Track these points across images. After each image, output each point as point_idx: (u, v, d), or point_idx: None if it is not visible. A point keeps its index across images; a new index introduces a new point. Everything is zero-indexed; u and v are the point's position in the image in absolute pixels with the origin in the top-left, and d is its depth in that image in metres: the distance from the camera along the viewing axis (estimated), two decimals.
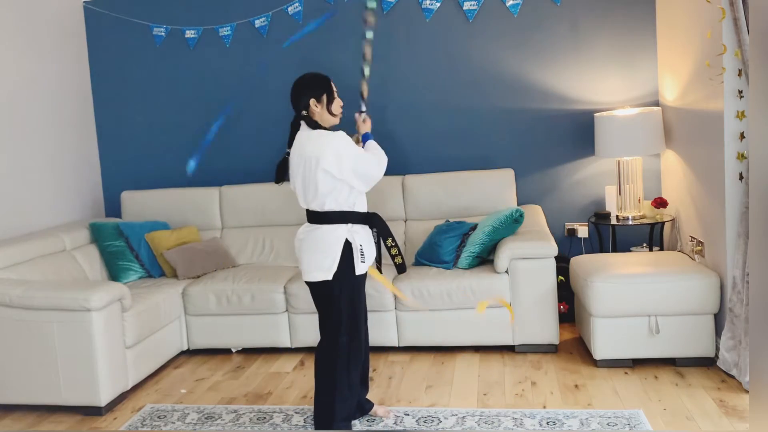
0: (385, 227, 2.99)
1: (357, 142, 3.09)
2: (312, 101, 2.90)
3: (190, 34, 4.94)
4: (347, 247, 2.85)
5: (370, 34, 3.06)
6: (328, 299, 2.90)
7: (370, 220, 2.96)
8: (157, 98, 5.07)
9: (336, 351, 2.89)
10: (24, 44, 4.49)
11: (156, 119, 5.09)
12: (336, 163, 2.79)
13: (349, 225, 2.88)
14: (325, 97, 2.91)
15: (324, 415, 2.92)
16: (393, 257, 3.02)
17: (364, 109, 3.13)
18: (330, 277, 2.85)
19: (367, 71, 3.09)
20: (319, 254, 2.85)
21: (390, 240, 2.98)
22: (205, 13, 4.91)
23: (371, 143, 3.05)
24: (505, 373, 3.67)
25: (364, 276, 2.97)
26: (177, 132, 5.06)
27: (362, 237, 2.91)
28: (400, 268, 3.06)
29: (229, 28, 4.88)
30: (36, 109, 4.57)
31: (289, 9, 4.77)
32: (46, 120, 4.67)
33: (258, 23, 4.83)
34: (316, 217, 2.89)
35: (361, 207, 2.95)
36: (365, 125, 3.12)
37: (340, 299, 2.87)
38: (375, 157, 2.94)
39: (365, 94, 3.12)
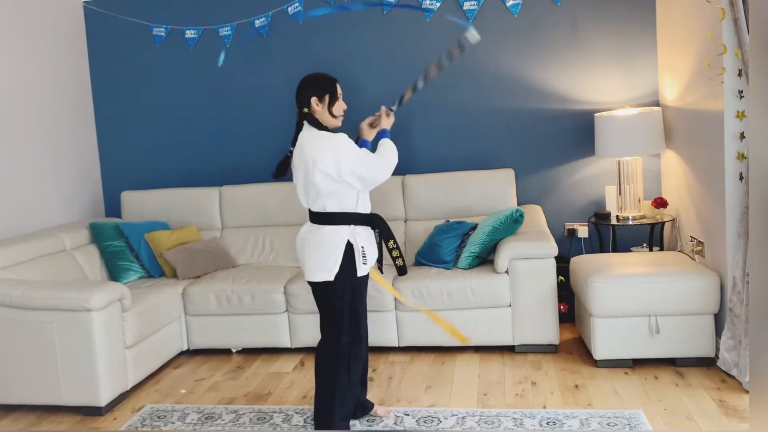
0: (387, 229, 2.97)
1: (361, 133, 3.05)
2: (314, 99, 2.86)
3: (190, 34, 4.94)
4: (349, 248, 2.85)
5: (446, 62, 2.88)
6: (329, 300, 2.89)
7: (372, 221, 2.94)
8: (157, 98, 5.07)
9: (337, 351, 2.89)
10: (24, 44, 4.49)
11: (156, 119, 5.09)
12: (334, 166, 2.77)
13: (352, 226, 2.87)
14: (327, 97, 2.87)
15: (324, 415, 2.92)
16: (394, 259, 3.00)
17: (394, 108, 3.01)
18: (332, 278, 2.84)
19: (420, 85, 2.93)
20: (322, 255, 2.84)
21: (392, 242, 2.96)
22: (205, 13, 4.91)
23: (386, 142, 2.99)
24: (505, 373, 3.67)
25: (366, 277, 2.97)
26: (177, 132, 5.06)
27: (364, 238, 2.90)
28: (401, 271, 3.03)
29: (229, 28, 4.87)
30: (36, 109, 4.57)
31: (289, 9, 4.77)
32: (46, 120, 4.66)
33: (258, 23, 4.83)
34: (319, 218, 2.88)
35: (364, 208, 2.94)
36: (387, 121, 3.02)
37: (342, 300, 2.87)
38: (381, 160, 2.90)
39: (405, 99, 2.98)
